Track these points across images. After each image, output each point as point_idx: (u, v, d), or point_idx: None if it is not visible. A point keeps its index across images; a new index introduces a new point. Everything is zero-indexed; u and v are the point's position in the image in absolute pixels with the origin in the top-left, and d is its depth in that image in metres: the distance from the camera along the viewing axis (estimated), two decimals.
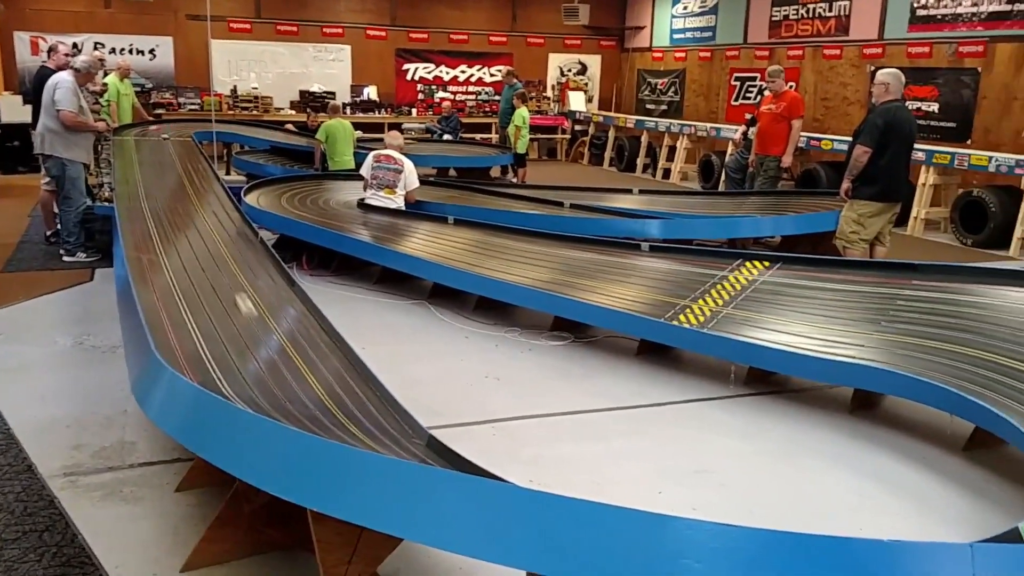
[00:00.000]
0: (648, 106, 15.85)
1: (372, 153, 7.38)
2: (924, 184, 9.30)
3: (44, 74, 7.09)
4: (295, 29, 14.67)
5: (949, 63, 10.21)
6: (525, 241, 6.10)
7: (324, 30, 14.86)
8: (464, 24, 15.69)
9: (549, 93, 16.26)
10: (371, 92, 15.03)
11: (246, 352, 3.51)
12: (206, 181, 7.80)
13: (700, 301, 4.63)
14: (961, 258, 7.93)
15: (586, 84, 16.62)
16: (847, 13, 11.62)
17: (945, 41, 10.25)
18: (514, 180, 11.57)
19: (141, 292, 3.75)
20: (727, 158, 11.04)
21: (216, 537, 2.84)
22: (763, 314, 4.46)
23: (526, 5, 16.00)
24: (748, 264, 4.99)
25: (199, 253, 5.27)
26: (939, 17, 10.31)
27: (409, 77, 15.61)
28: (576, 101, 16.12)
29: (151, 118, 11.86)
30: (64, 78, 6.63)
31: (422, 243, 6.23)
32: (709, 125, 12.78)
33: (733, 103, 13.73)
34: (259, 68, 14.56)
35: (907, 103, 9.98)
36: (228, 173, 11.25)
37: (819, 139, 10.60)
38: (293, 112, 14.19)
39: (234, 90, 14.07)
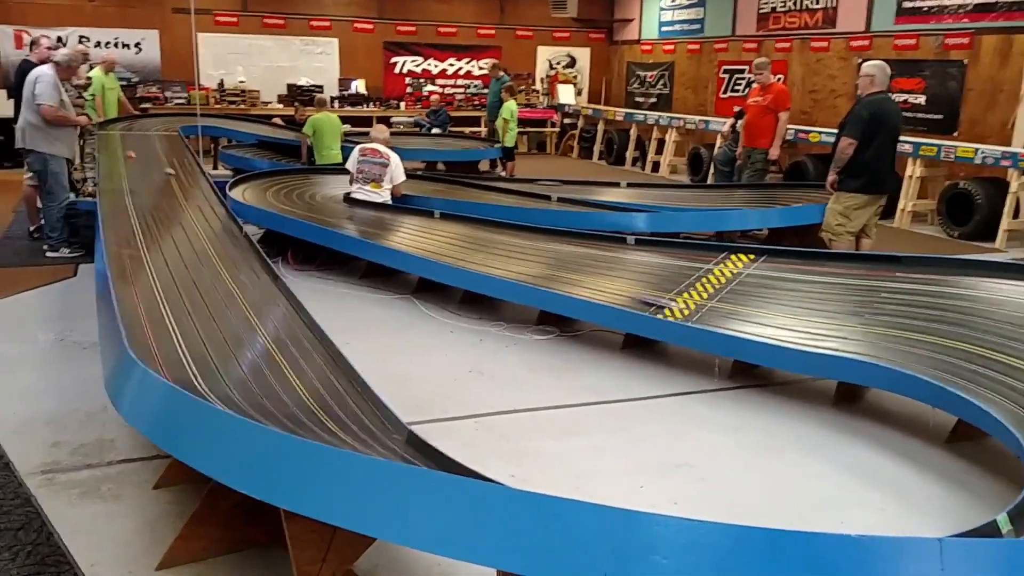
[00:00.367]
0: (637, 99, 15.83)
1: (358, 147, 7.34)
2: (911, 176, 9.31)
3: (26, 68, 7.03)
4: (282, 22, 14.57)
5: (935, 55, 10.21)
6: (511, 235, 6.07)
7: (311, 23, 14.76)
8: (452, 17, 15.62)
9: (538, 86, 16.21)
10: (359, 86, 14.95)
11: (226, 349, 3.48)
12: (192, 176, 7.75)
13: (685, 294, 4.62)
14: (948, 250, 7.94)
15: (575, 77, 16.57)
16: (834, 5, 11.61)
17: (932, 33, 10.25)
18: (503, 174, 11.55)
19: (119, 288, 3.71)
20: (715, 151, 11.03)
21: (192, 535, 2.82)
22: (748, 307, 4.45)
23: None
24: (733, 257, 4.98)
25: (182, 249, 5.23)
26: (925, 9, 10.31)
27: (397, 70, 15.53)
28: (565, 94, 16.08)
29: (137, 112, 11.77)
30: (45, 72, 6.57)
31: (408, 237, 6.21)
32: (698, 118, 12.76)
33: (722, 96, 13.72)
34: (246, 62, 14.45)
35: (894, 95, 10.04)
36: (215, 168, 11.19)
37: (807, 131, 10.60)
38: (281, 106, 14.11)
39: (221, 84, 13.98)
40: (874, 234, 6.36)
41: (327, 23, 14.85)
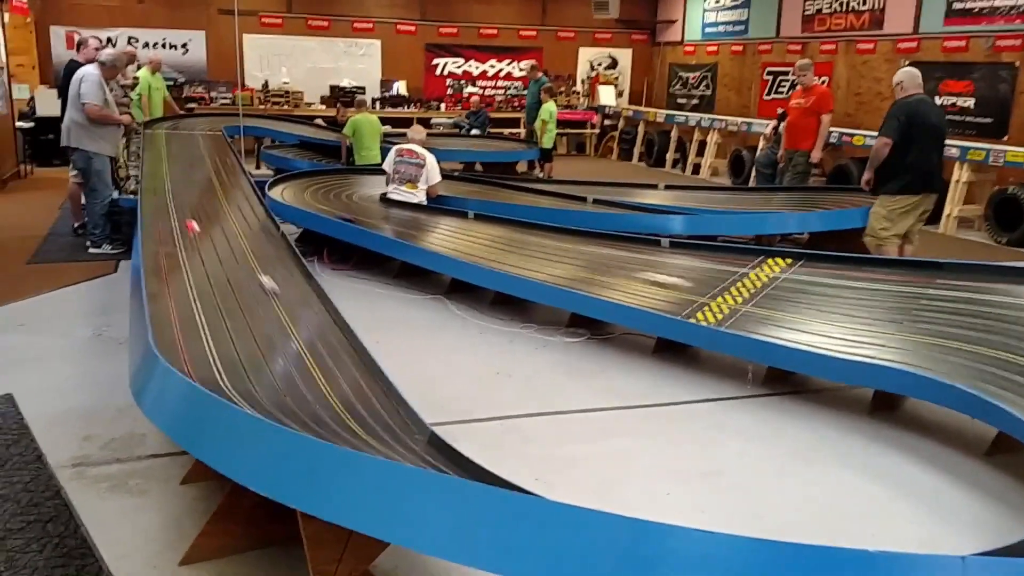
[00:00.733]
0: (679, 100, 15.68)
1: (395, 147, 7.37)
2: (957, 181, 9.07)
3: (72, 68, 7.18)
4: (326, 24, 14.73)
5: (986, 57, 9.94)
6: (545, 237, 6.04)
7: (354, 25, 14.89)
8: (494, 18, 15.64)
9: (579, 88, 16.15)
10: (400, 87, 15.05)
11: (254, 347, 3.50)
12: (233, 176, 7.85)
13: (719, 299, 4.54)
14: (995, 257, 7.72)
15: (616, 78, 16.48)
16: (881, 7, 11.37)
17: (982, 35, 9.98)
18: (540, 175, 11.52)
19: (151, 285, 3.76)
20: (757, 153, 10.85)
21: (215, 531, 2.84)
22: (783, 312, 4.36)
23: None
24: (770, 261, 4.88)
25: (219, 247, 5.29)
26: (976, 10, 10.04)
27: (438, 72, 15.60)
28: (606, 95, 15.99)
29: (182, 112, 11.97)
30: (90, 71, 6.70)
31: (442, 238, 6.21)
32: (740, 120, 12.59)
33: (765, 98, 13.53)
34: (290, 63, 14.64)
35: (940, 98, 9.81)
36: (258, 167, 11.34)
37: (851, 134, 10.39)
38: (323, 107, 14.25)
39: (265, 84, 14.16)
40: (916, 240, 6.22)
41: (370, 24, 14.97)
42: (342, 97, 14.11)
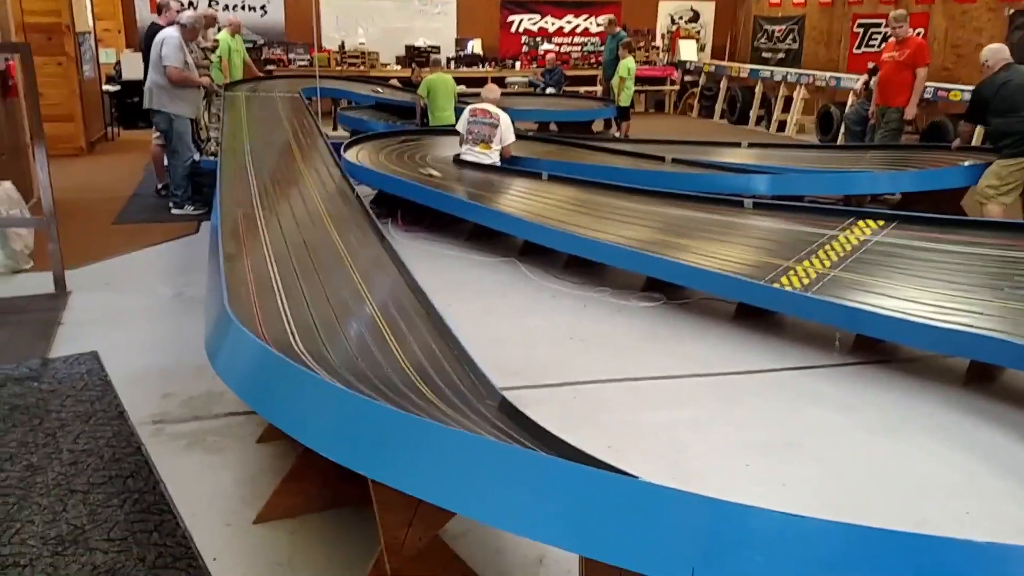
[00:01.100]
0: (764, 55, 15.09)
1: (468, 107, 7.28)
2: None
3: (154, 31, 7.27)
4: None
5: None
6: (621, 198, 5.89)
7: None
8: None
9: (658, 42, 15.69)
10: (475, 46, 14.88)
11: (328, 309, 3.50)
12: (310, 137, 7.90)
13: (805, 262, 4.34)
14: None
15: (698, 32, 15.95)
16: None
17: None
18: (617, 134, 11.26)
19: (228, 246, 3.78)
20: (847, 109, 10.39)
21: (289, 490, 2.86)
22: (874, 277, 4.14)
23: None
24: (860, 223, 4.64)
25: (296, 208, 5.32)
26: None
27: (513, 29, 15.36)
28: (687, 50, 15.49)
29: (261, 74, 12.10)
30: (170, 34, 6.79)
31: (515, 199, 6.12)
32: (829, 74, 12.02)
33: (855, 51, 12.88)
34: (366, 23, 14.61)
35: None
36: (335, 129, 11.41)
37: (947, 89, 9.80)
38: (398, 67, 14.21)
39: (342, 46, 14.19)
40: None
41: None
42: (417, 57, 14.04)
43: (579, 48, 15.55)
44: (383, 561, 2.17)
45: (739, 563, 1.38)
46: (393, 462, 1.78)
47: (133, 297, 4.96)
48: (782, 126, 12.72)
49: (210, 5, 13.32)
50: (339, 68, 13.70)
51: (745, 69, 13.94)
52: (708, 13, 16.04)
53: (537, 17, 15.42)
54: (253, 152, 6.96)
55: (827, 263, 4.33)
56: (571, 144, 8.37)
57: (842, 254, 4.41)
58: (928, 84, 8.58)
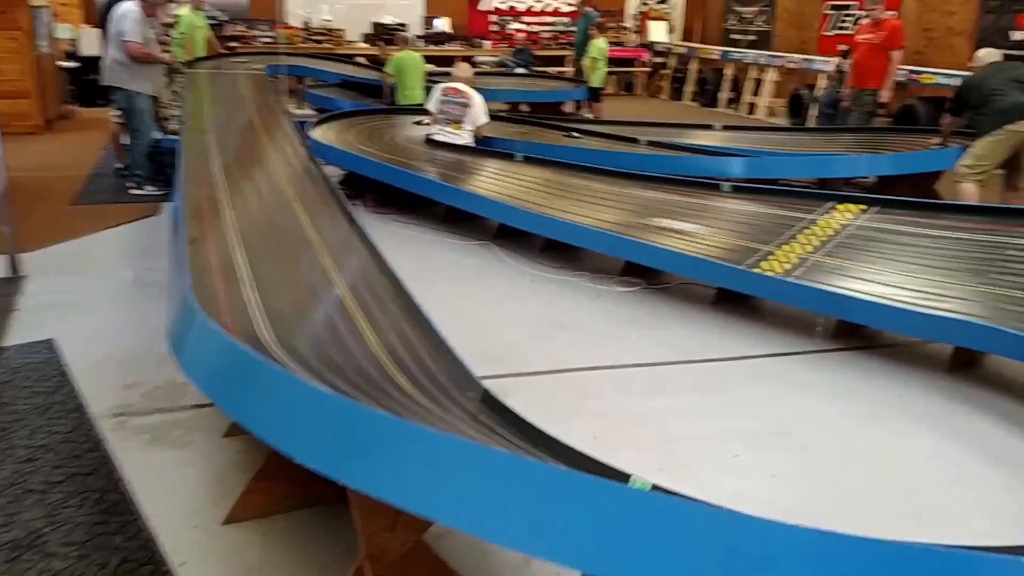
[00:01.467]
0: (734, 37, 15.02)
1: (439, 86, 7.10)
2: None
3: (112, 4, 6.98)
4: None
5: None
6: (597, 180, 5.77)
7: None
8: None
9: (628, 23, 15.55)
10: (443, 24, 14.63)
11: (298, 295, 3.35)
12: (275, 116, 7.68)
13: (786, 247, 4.26)
14: None
15: (668, 14, 15.84)
16: None
17: None
18: (589, 116, 11.13)
19: (191, 228, 3.60)
20: (819, 92, 10.36)
21: (259, 489, 2.72)
22: (856, 262, 4.08)
23: None
24: (841, 207, 4.57)
25: (262, 189, 5.14)
26: None
27: (482, 7, 15.12)
28: (657, 31, 15.39)
29: (224, 51, 11.76)
30: (131, 8, 6.51)
31: (488, 181, 5.97)
32: (800, 56, 11.99)
33: (826, 33, 12.86)
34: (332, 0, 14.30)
35: None
36: (300, 107, 11.14)
37: (919, 72, 9.81)
38: (366, 45, 13.93)
39: (307, 23, 13.86)
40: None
41: None
42: (384, 35, 13.76)
43: (549, 28, 15.37)
44: (364, 569, 2.05)
45: None
46: (373, 468, 1.64)
47: (92, 281, 4.75)
48: (752, 109, 12.69)
49: None
50: (304, 45, 13.39)
51: (716, 51, 13.88)
52: None
53: None
54: (216, 131, 6.73)
55: (808, 248, 4.26)
56: (545, 125, 8.23)
57: (823, 239, 4.35)
58: (900, 67, 8.56)
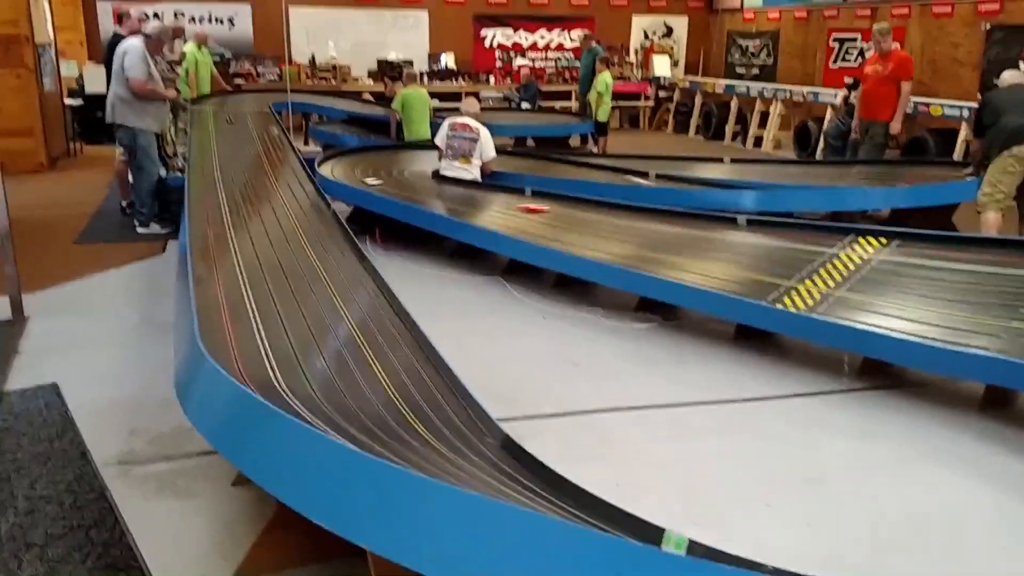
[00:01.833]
0: (738, 70, 15.06)
1: (447, 121, 7.05)
2: None
3: (116, 41, 6.97)
4: None
5: None
6: (607, 214, 5.70)
7: None
8: None
9: (632, 58, 15.60)
10: (448, 60, 14.68)
11: (309, 337, 3.24)
12: (282, 152, 7.64)
13: (808, 282, 4.15)
14: None
15: (672, 48, 15.89)
16: None
17: None
18: (594, 150, 11.10)
19: (198, 268, 3.51)
20: (826, 124, 10.33)
21: (270, 542, 2.60)
22: (881, 297, 3.96)
23: None
24: (862, 240, 4.48)
25: (269, 226, 5.06)
26: None
27: (487, 44, 15.18)
28: (661, 66, 15.41)
29: (230, 88, 11.80)
30: (134, 44, 6.48)
31: (498, 216, 5.89)
32: (806, 89, 11.97)
33: (831, 66, 12.88)
34: (337, 36, 14.34)
35: None
36: (306, 143, 11.13)
37: (928, 103, 9.77)
38: (371, 82, 13.95)
39: (312, 60, 13.91)
40: None
41: None
42: (389, 72, 13.80)
43: (553, 63, 15.42)
44: None
45: None
46: (395, 531, 1.52)
47: (97, 323, 4.65)
48: (758, 142, 12.65)
49: (176, 17, 12.97)
50: (310, 82, 13.42)
51: (720, 84, 13.89)
52: (681, 28, 16.00)
53: (511, 31, 15.27)
54: (222, 168, 6.68)
55: (831, 283, 4.15)
56: (553, 159, 8.18)
57: (845, 273, 4.24)
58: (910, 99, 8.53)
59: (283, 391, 2.43)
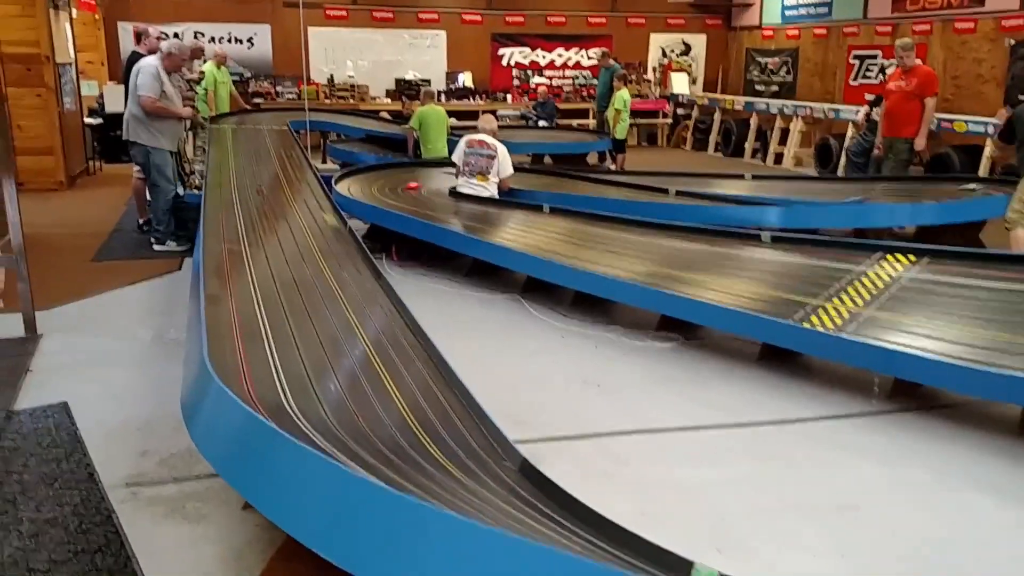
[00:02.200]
0: (757, 87, 14.97)
1: (464, 138, 7.00)
2: None
3: (134, 59, 6.97)
4: (391, 15, 14.46)
5: None
6: (627, 231, 5.60)
7: (420, 16, 14.59)
8: (562, 5, 15.16)
9: (650, 76, 15.55)
10: (466, 79, 14.70)
11: (322, 355, 3.16)
12: (300, 170, 7.61)
13: (835, 300, 4.03)
14: None
15: (690, 65, 15.84)
16: None
17: None
18: (612, 167, 11.03)
19: (210, 286, 3.44)
20: (848, 141, 10.21)
21: (281, 568, 2.50)
22: (911, 316, 3.83)
23: None
24: (890, 257, 4.35)
25: (285, 244, 5.01)
26: None
27: (504, 62, 15.20)
28: (679, 83, 15.37)
29: (249, 107, 11.83)
30: (148, 63, 6.48)
31: (515, 233, 5.81)
32: (827, 106, 11.86)
33: (852, 83, 12.76)
34: (355, 56, 14.41)
35: None
36: (324, 162, 11.12)
37: (951, 120, 9.63)
38: (388, 100, 13.98)
39: (331, 79, 13.96)
40: None
41: (435, 15, 14.66)
42: (407, 90, 13.83)
43: (571, 81, 15.40)
44: None
45: None
46: (404, 566, 1.42)
47: (110, 341, 4.59)
48: (779, 159, 12.54)
49: (195, 37, 13.07)
50: (328, 101, 13.47)
51: (739, 102, 13.81)
52: (699, 46, 15.96)
53: (528, 50, 15.28)
54: (239, 186, 6.65)
55: (859, 301, 4.03)
56: (571, 176, 8.10)
57: (874, 292, 4.12)
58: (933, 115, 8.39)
59: (294, 414, 2.34)
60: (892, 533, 2.79)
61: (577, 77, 15.43)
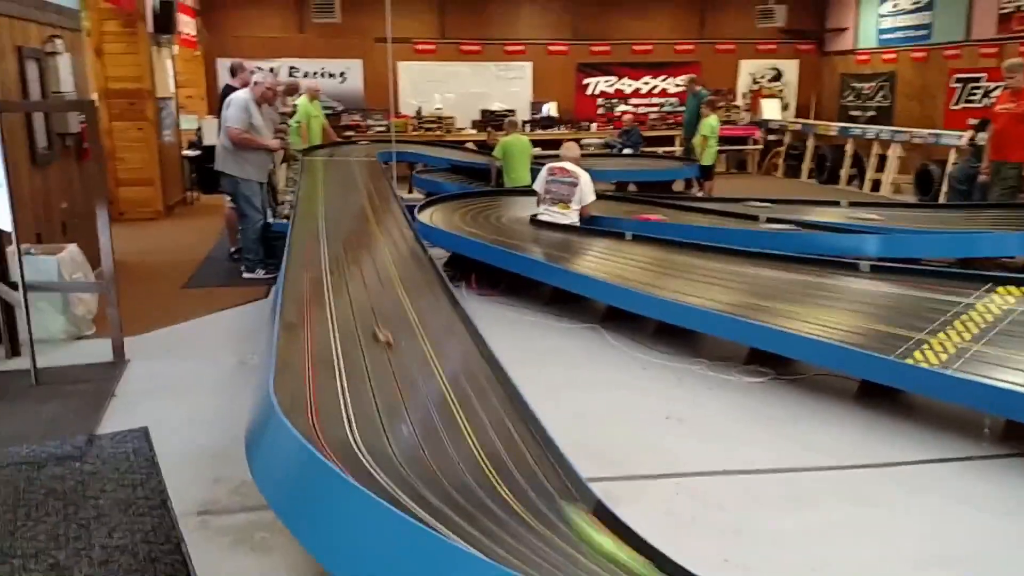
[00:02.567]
0: (852, 113, 14.46)
1: (547, 166, 6.93)
2: None
3: (228, 92, 7.18)
4: (478, 48, 14.62)
5: None
6: (714, 259, 5.40)
7: (506, 48, 14.70)
8: (648, 34, 15.04)
9: (739, 102, 15.23)
10: (550, 109, 14.70)
11: (394, 389, 3.09)
12: (385, 200, 7.68)
13: (940, 335, 3.75)
14: None
15: (781, 91, 15.45)
16: None
17: None
18: (700, 194, 10.77)
19: (287, 314, 3.43)
20: (951, 167, 9.70)
21: None
22: None
23: (715, 10, 15.11)
24: (1001, 290, 4.03)
25: (366, 272, 5.02)
26: None
27: (589, 92, 15.15)
28: (770, 109, 14.99)
29: (340, 139, 12.09)
30: (239, 95, 6.66)
31: (596, 261, 5.68)
32: (927, 131, 11.33)
33: (952, 107, 12.18)
34: (443, 88, 14.61)
35: None
36: (410, 191, 11.25)
37: None
38: (474, 131, 14.10)
39: (419, 111, 14.18)
40: None
41: (522, 47, 14.74)
42: (492, 121, 13.91)
43: (656, 109, 15.22)
44: None
45: None
46: None
47: (194, 366, 4.66)
48: (876, 185, 12.03)
49: (290, 73, 13.49)
50: (416, 133, 13.66)
51: (834, 127, 13.35)
52: (791, 72, 15.56)
53: (613, 79, 15.20)
54: (327, 215, 6.73)
55: (967, 336, 3.73)
56: (655, 203, 7.92)
57: (983, 325, 3.81)
58: None
59: (360, 453, 2.26)
60: None
61: (663, 104, 15.23)
